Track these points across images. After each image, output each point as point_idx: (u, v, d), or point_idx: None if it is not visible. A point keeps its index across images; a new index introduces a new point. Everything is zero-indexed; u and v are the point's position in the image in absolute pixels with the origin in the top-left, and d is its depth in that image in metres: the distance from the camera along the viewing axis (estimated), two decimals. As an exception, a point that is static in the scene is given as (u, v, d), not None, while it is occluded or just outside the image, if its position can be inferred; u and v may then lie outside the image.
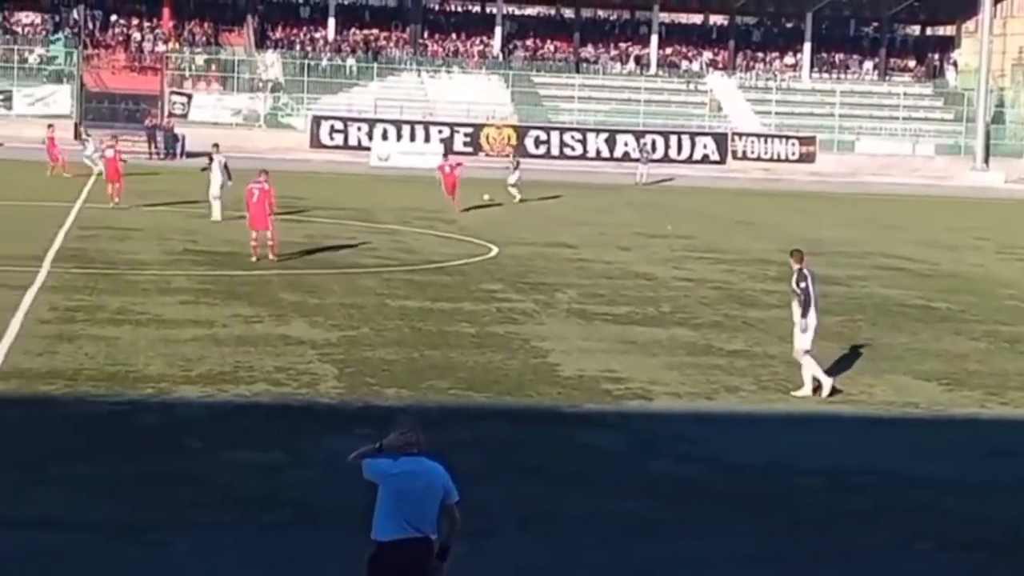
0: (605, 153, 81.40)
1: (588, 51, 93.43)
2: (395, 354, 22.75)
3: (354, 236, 39.64)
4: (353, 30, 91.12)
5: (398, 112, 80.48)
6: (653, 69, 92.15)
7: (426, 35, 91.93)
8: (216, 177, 41.52)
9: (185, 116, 78.21)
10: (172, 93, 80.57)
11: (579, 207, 53.05)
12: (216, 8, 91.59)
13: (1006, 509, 15.96)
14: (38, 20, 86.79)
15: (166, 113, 77.27)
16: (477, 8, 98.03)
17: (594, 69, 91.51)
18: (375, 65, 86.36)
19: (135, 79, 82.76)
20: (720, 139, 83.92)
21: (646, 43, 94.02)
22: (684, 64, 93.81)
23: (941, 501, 16.18)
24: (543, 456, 17.27)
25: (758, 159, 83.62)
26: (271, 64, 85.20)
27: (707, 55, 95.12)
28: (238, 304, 26.87)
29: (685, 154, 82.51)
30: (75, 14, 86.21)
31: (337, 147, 77.21)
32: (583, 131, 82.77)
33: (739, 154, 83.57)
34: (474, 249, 37.51)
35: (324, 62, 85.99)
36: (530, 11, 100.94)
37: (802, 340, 21.29)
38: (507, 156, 61.67)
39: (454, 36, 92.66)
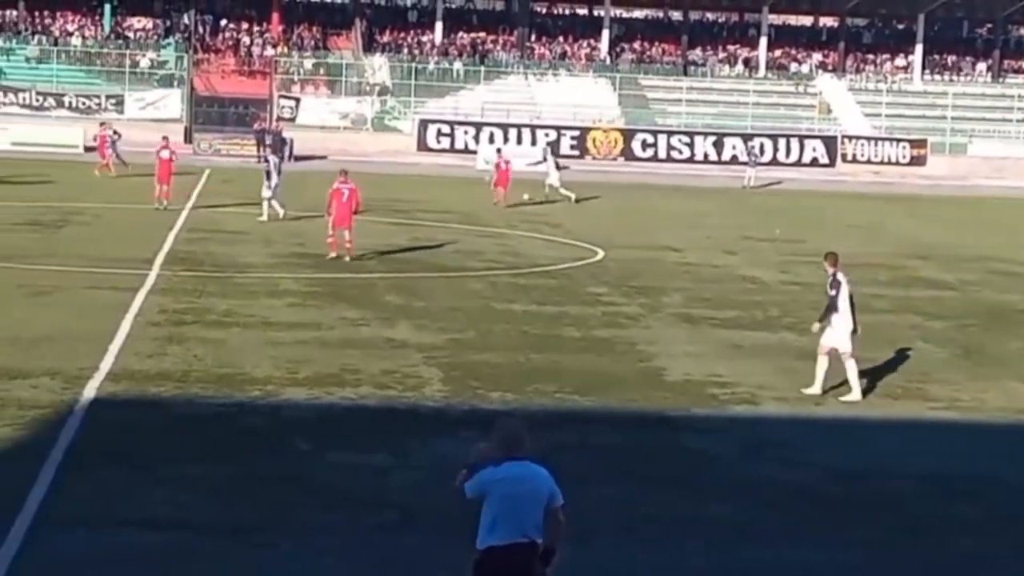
0: (713, 156, 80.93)
1: (696, 54, 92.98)
2: (500, 357, 22.76)
3: (460, 239, 39.73)
4: (460, 33, 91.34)
5: (505, 115, 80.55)
6: (762, 71, 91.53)
7: (533, 38, 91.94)
8: (272, 179, 42.04)
9: (293, 120, 78.76)
10: (280, 97, 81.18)
11: (686, 211, 52.80)
12: (325, 12, 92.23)
13: (1121, 518, 15.67)
14: (150, 25, 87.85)
15: (274, 117, 77.88)
16: (584, 11, 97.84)
17: (702, 72, 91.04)
18: (482, 68, 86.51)
19: (244, 83, 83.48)
20: (829, 142, 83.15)
21: (755, 45, 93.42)
22: (793, 66, 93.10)
23: (1054, 510, 15.92)
24: (648, 460, 17.21)
25: (868, 162, 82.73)
26: (379, 68, 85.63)
27: (817, 57, 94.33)
28: (344, 307, 27.02)
29: (794, 157, 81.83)
30: (186, 19, 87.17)
31: (443, 150, 77.35)
32: (690, 134, 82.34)
33: (849, 157, 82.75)
34: (580, 253, 37.45)
35: (431, 66, 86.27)
36: (638, 14, 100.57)
37: (830, 339, 20.93)
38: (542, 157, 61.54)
39: (561, 39, 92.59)
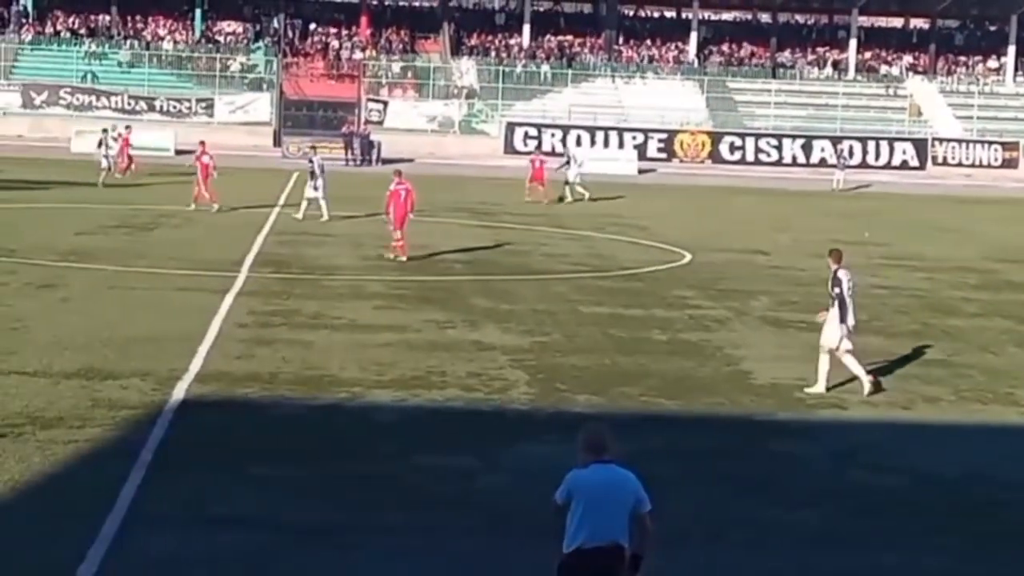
0: (801, 159, 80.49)
1: (785, 56, 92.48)
2: (586, 360, 22.73)
3: (546, 242, 39.73)
4: (548, 36, 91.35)
5: (592, 118, 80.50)
6: (851, 74, 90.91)
7: (621, 41, 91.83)
8: (315, 178, 42.29)
9: (381, 123, 79.14)
10: (368, 100, 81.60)
11: (774, 214, 52.51)
12: (413, 16, 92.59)
13: None
14: (240, 29, 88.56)
15: (362, 120, 78.27)
16: (672, 13, 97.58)
17: (791, 74, 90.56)
18: (569, 71, 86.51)
19: (332, 86, 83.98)
20: (920, 145, 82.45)
21: (844, 47, 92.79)
22: (883, 68, 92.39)
23: None
24: (736, 464, 17.11)
25: (959, 165, 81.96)
26: (466, 71, 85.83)
27: (907, 59, 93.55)
28: (431, 309, 27.09)
29: (883, 160, 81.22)
30: (275, 23, 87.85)
31: (530, 153, 77.36)
32: (779, 137, 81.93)
33: (939, 160, 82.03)
34: (667, 256, 37.34)
35: (519, 69, 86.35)
36: (726, 16, 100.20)
37: (829, 337, 20.94)
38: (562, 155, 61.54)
39: (649, 42, 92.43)
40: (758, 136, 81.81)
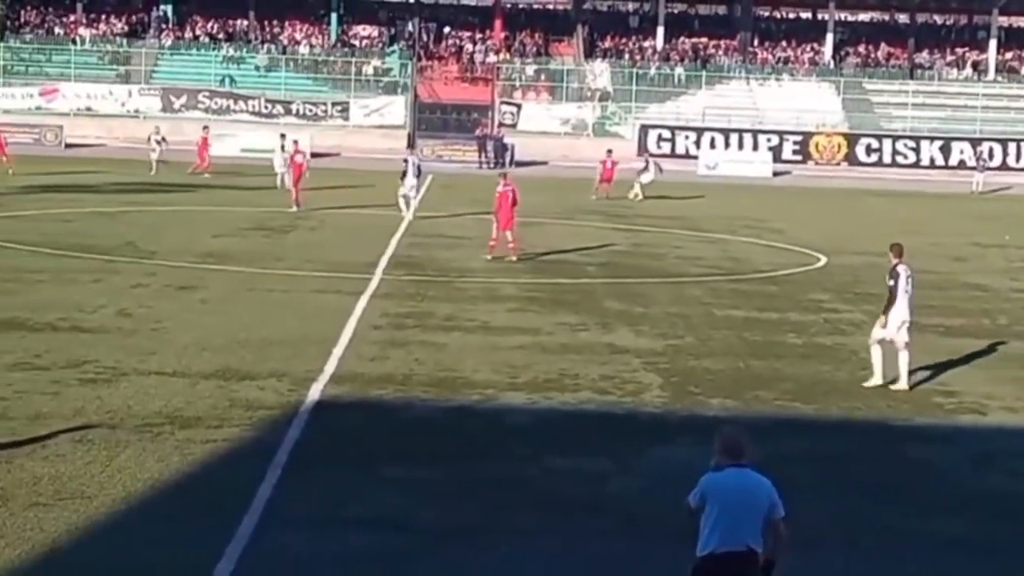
0: (939, 161, 79.36)
1: (923, 56, 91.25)
2: (720, 364, 22.61)
3: (681, 245, 39.57)
4: (682, 39, 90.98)
5: (726, 121, 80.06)
6: (991, 75, 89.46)
7: (755, 43, 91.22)
8: (409, 179, 42.38)
9: (514, 126, 79.33)
10: (502, 103, 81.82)
11: (911, 217, 51.84)
12: (546, 19, 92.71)
13: None
14: (375, 33, 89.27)
15: (496, 123, 78.51)
16: (808, 15, 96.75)
17: (929, 75, 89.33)
18: (703, 73, 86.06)
19: (466, 89, 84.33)
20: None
21: (984, 48, 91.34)
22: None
23: None
24: (872, 469, 16.92)
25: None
26: (600, 73, 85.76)
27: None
28: (564, 312, 27.09)
29: (1024, 162, 79.88)
30: (410, 27, 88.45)
31: (664, 155, 77.21)
32: (916, 139, 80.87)
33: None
34: (802, 259, 37.02)
35: (652, 71, 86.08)
36: (863, 17, 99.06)
37: (877, 331, 21.44)
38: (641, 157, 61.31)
39: (784, 43, 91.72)
40: (895, 138, 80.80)
